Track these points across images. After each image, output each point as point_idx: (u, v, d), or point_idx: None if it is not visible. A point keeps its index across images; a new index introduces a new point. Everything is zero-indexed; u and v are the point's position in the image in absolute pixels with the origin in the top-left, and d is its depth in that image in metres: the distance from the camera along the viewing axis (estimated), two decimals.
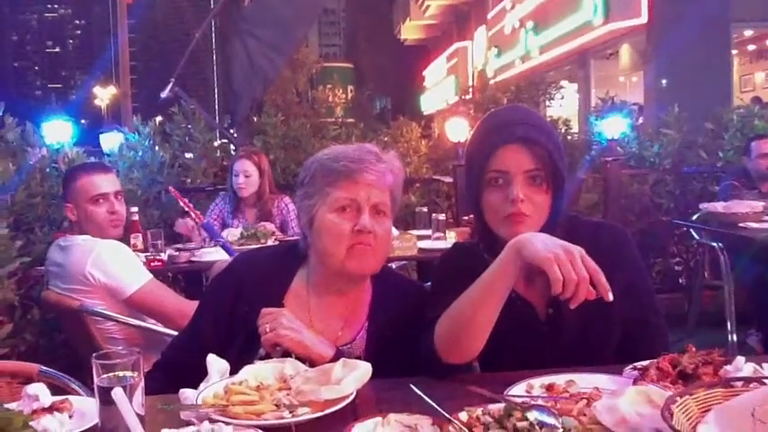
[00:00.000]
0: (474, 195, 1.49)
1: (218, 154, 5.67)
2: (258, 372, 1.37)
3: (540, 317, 1.51)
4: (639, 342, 1.49)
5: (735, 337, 3.85)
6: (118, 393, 1.09)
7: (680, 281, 5.12)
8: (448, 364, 1.41)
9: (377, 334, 1.57)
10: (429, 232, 3.51)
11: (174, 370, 1.58)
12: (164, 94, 4.90)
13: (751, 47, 12.39)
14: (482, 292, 1.37)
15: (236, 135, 5.64)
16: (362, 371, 1.29)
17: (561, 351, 1.45)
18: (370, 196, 1.50)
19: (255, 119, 6.04)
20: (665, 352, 1.32)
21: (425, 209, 3.99)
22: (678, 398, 1.05)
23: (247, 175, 4.13)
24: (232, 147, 5.80)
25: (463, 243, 1.87)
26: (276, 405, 1.23)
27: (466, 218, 3.61)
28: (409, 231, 3.62)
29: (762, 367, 1.24)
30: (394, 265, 3.55)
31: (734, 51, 11.18)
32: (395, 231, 3.39)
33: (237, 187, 4.14)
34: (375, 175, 1.50)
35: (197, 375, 1.37)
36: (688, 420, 1.02)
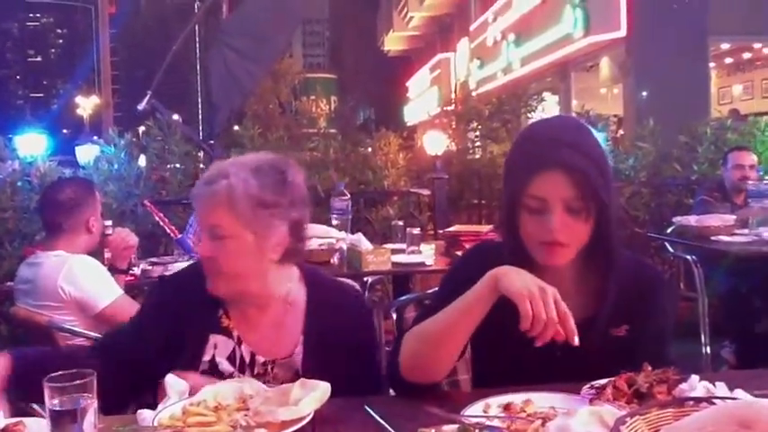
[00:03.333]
0: (509, 210, 1.43)
1: (200, 166, 5.65)
2: (217, 391, 1.36)
3: (556, 341, 1.45)
4: None
5: (708, 349, 3.87)
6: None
7: None
8: (408, 383, 1.41)
9: (315, 344, 1.55)
10: (404, 246, 3.51)
11: (113, 356, 1.57)
12: (140, 107, 4.88)
13: (728, 60, 12.57)
14: (457, 316, 1.37)
15: (213, 147, 5.62)
16: (321, 391, 1.29)
17: (566, 377, 1.38)
18: (205, 221, 1.51)
19: (236, 129, 6.04)
20: None
21: (401, 222, 3.99)
22: (628, 419, 1.06)
23: None
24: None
25: (488, 244, 1.78)
26: (233, 426, 1.23)
27: (442, 231, 3.61)
28: (384, 245, 3.62)
29: (715, 386, 1.26)
30: (369, 279, 3.56)
31: (712, 64, 11.33)
32: (368, 245, 3.39)
33: None
34: (202, 201, 1.51)
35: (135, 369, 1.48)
36: None
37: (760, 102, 11.95)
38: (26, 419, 1.27)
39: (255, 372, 1.55)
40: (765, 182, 4.11)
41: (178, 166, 5.33)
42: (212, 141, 6.07)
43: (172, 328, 1.54)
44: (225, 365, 1.55)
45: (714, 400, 1.12)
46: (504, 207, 1.44)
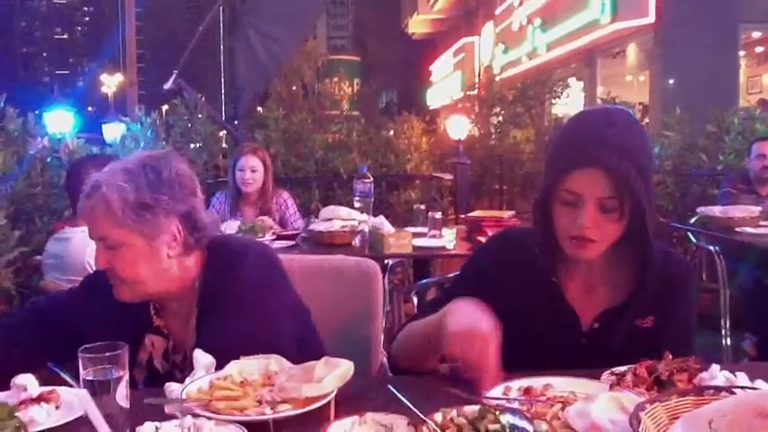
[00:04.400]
0: (544, 199, 1.43)
1: (224, 145, 5.70)
2: (243, 367, 1.39)
3: (582, 327, 1.48)
4: None
5: (729, 341, 3.86)
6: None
7: None
8: (400, 368, 1.51)
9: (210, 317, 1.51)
10: (425, 230, 3.52)
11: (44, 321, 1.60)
12: (167, 86, 4.93)
13: (759, 48, 12.32)
14: (420, 336, 1.45)
15: (237, 128, 5.66)
16: (344, 369, 1.31)
17: (588, 365, 1.38)
18: (93, 234, 1.49)
19: (260, 110, 6.07)
20: None
21: (423, 206, 4.00)
22: (648, 405, 1.08)
23: (254, 170, 4.13)
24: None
25: (511, 231, 1.75)
26: (258, 401, 1.26)
27: (464, 216, 3.62)
28: (406, 229, 3.64)
29: (735, 375, 1.26)
30: (390, 262, 3.58)
31: (742, 53, 11.13)
32: (390, 229, 3.42)
33: (243, 183, 4.12)
34: (85, 216, 1.49)
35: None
36: (656, 428, 1.04)
37: None
38: (59, 388, 1.31)
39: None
40: None
41: (201, 145, 5.38)
42: (236, 122, 6.11)
43: (103, 325, 1.46)
44: (162, 364, 1.56)
45: (734, 390, 1.13)
46: (540, 195, 1.44)
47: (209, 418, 1.17)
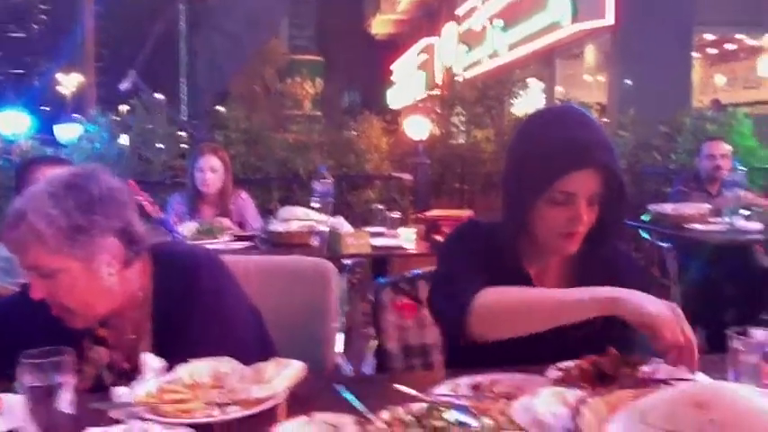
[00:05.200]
0: (526, 201, 1.44)
1: (183, 146, 5.63)
2: (193, 370, 1.39)
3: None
4: None
5: None
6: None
7: None
8: (468, 339, 1.40)
9: (166, 328, 1.50)
10: (384, 230, 3.54)
11: None
12: (123, 86, 4.86)
13: (712, 50, 12.65)
14: (551, 310, 1.38)
15: (197, 129, 5.61)
16: (294, 369, 1.32)
17: (543, 358, 1.39)
18: (24, 264, 1.41)
19: (220, 109, 6.02)
20: None
21: (382, 206, 4.02)
22: (589, 399, 1.10)
23: (214, 171, 4.08)
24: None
25: (481, 222, 1.70)
26: (207, 404, 1.25)
27: (418, 215, 3.64)
28: (364, 229, 3.65)
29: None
30: (349, 262, 3.59)
31: (696, 54, 11.40)
32: (349, 228, 3.42)
33: (203, 183, 4.06)
34: (11, 247, 1.40)
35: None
36: (597, 421, 1.07)
37: (741, 93, 12.05)
38: (3, 395, 1.29)
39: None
40: (739, 172, 4.18)
41: (162, 146, 5.31)
42: (196, 122, 6.05)
43: (45, 333, 1.40)
44: (108, 376, 1.53)
45: (674, 382, 1.17)
46: (521, 198, 1.45)
47: (157, 422, 1.16)
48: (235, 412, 1.21)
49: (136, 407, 1.22)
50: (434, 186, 6.09)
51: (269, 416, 1.19)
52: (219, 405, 1.24)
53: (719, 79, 12.97)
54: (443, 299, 1.47)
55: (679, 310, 1.30)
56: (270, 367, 1.33)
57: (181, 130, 6.04)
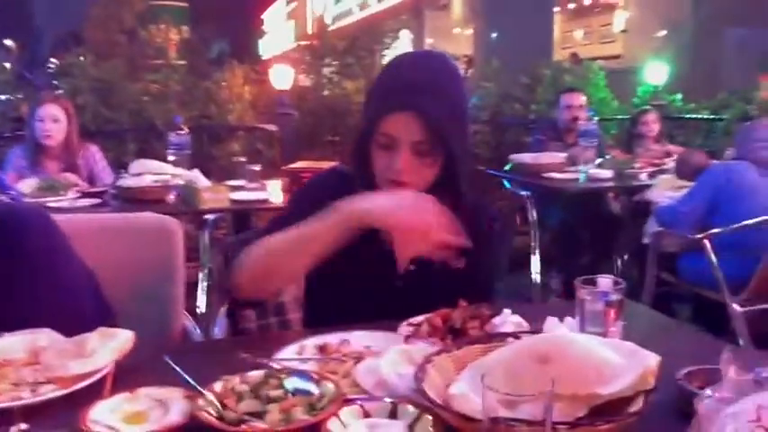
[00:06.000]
0: (361, 142, 1.40)
1: (21, 96, 5.13)
2: (6, 346, 1.22)
3: (397, 271, 1.46)
4: None
5: (539, 279, 4.11)
6: None
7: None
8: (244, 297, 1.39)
9: None
10: (244, 183, 3.39)
11: None
12: None
13: (572, 5, 13.13)
14: (303, 239, 1.33)
15: (37, 76, 5.13)
16: (121, 341, 1.18)
17: (406, 311, 1.35)
18: None
19: (65, 56, 5.52)
20: None
21: (244, 159, 3.85)
22: (435, 356, 1.06)
23: (56, 121, 3.74)
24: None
25: (343, 170, 1.65)
26: (15, 384, 1.10)
27: (285, 167, 3.52)
28: (227, 182, 3.49)
29: (524, 318, 1.29)
30: (211, 217, 3.42)
31: (556, 9, 11.79)
32: (206, 182, 3.25)
33: (43, 135, 3.73)
34: None
35: None
36: (442, 379, 1.03)
37: (598, 47, 12.62)
38: None
39: None
40: (593, 122, 4.35)
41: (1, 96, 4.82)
42: (37, 69, 5.53)
43: None
44: None
45: (520, 335, 1.14)
46: (358, 139, 1.42)
47: None
48: (48, 392, 1.07)
49: None
50: (305, 139, 5.93)
51: (89, 394, 1.06)
52: (31, 385, 1.10)
53: (578, 34, 13.52)
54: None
55: (425, 196, 1.30)
56: (93, 339, 1.19)
57: (21, 78, 5.50)
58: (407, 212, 1.27)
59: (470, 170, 1.50)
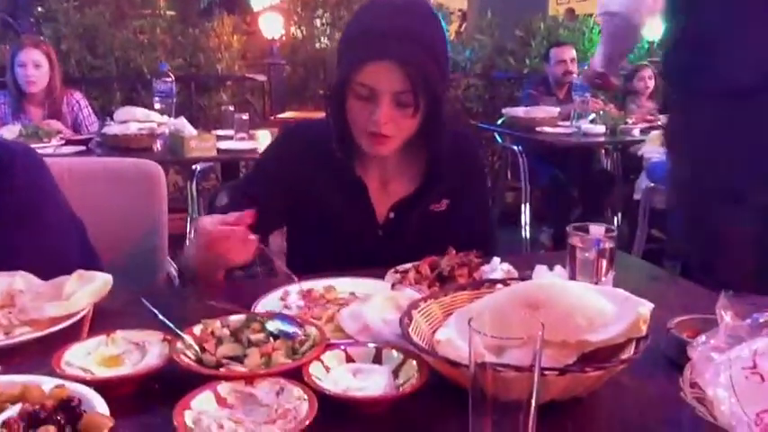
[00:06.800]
0: (338, 93, 1.33)
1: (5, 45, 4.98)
2: None
3: (377, 220, 1.45)
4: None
5: (528, 234, 4.11)
6: None
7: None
8: None
9: None
10: (232, 132, 3.33)
11: None
12: None
13: None
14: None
15: (19, 21, 4.98)
16: (99, 284, 1.15)
17: (390, 259, 1.32)
18: None
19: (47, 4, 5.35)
20: None
21: (232, 107, 3.77)
22: (422, 302, 1.03)
23: (38, 66, 3.66)
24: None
25: (302, 125, 1.63)
26: None
27: (273, 117, 3.45)
28: (213, 131, 3.42)
29: (514, 268, 1.26)
30: (199, 167, 3.36)
31: None
32: (192, 131, 3.18)
33: (25, 81, 3.65)
34: None
35: None
36: (429, 325, 1.00)
37: (594, 3, 12.42)
38: None
39: None
40: None
41: None
42: (18, 13, 5.37)
43: None
44: None
45: (510, 282, 1.11)
46: (334, 89, 1.34)
47: None
48: (23, 335, 1.04)
49: None
50: (296, 90, 5.83)
51: (66, 337, 1.02)
52: (5, 327, 1.07)
53: None
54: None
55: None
56: (71, 282, 1.16)
57: (4, 24, 5.35)
58: (205, 239, 1.19)
59: (455, 120, 1.47)
